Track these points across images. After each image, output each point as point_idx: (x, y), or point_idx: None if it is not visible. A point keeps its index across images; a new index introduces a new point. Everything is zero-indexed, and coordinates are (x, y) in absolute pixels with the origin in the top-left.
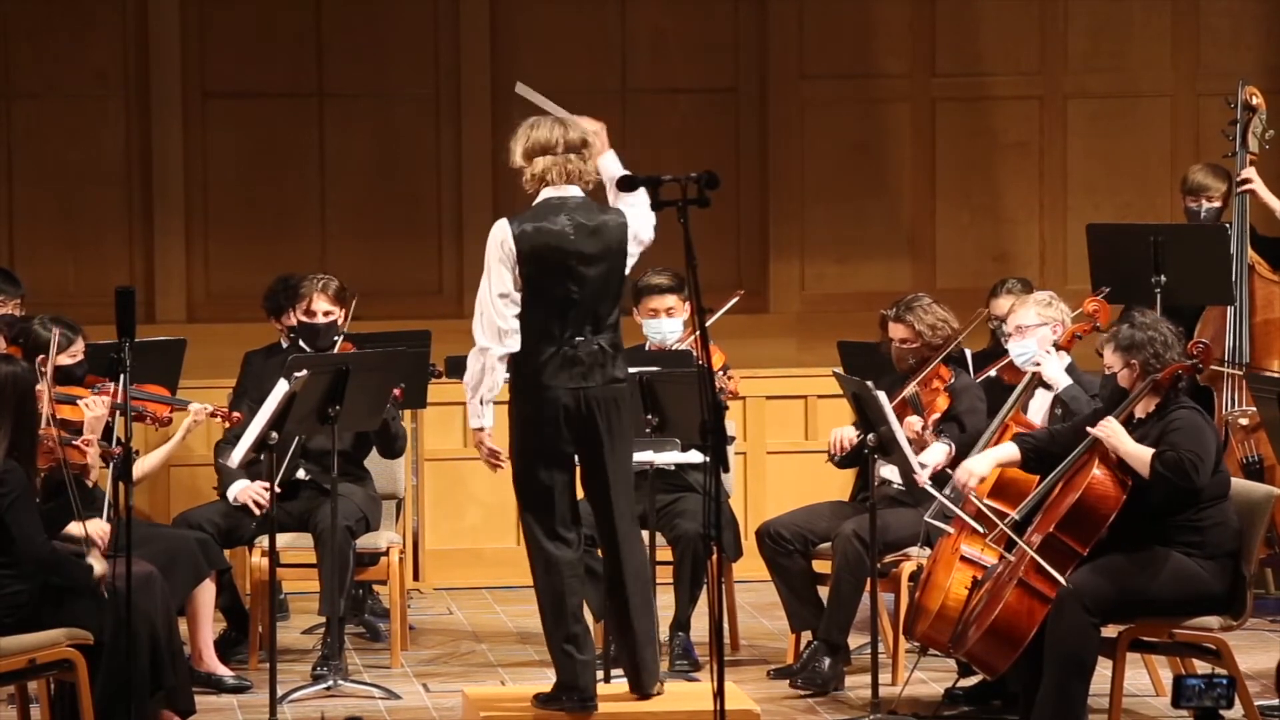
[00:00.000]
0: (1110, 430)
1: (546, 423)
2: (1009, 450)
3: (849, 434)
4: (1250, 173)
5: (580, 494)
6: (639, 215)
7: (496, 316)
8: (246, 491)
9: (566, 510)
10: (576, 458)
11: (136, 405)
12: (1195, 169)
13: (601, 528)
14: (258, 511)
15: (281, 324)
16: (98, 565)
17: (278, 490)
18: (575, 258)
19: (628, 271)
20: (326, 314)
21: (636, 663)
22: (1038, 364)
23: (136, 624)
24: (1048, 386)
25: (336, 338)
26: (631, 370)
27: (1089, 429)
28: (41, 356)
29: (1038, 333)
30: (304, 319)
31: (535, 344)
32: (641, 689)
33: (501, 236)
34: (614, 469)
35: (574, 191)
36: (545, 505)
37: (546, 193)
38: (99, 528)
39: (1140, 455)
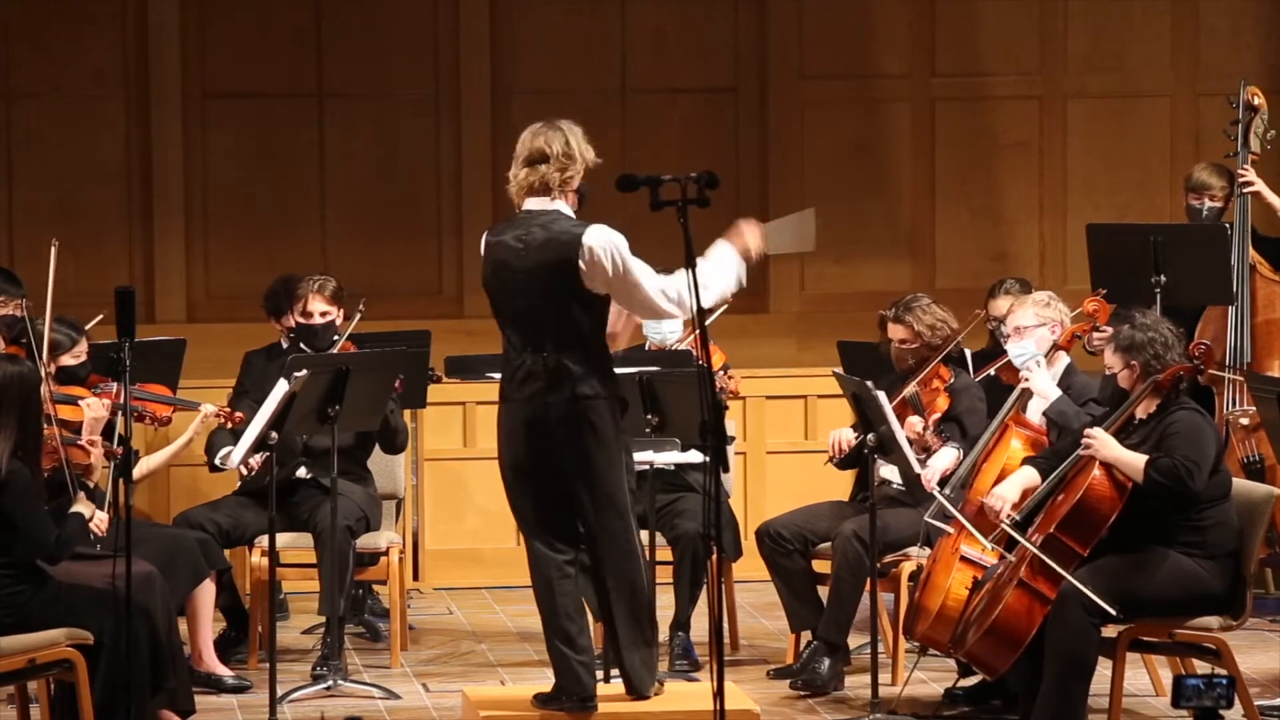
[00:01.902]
0: (1100, 442)
1: (512, 433)
2: (1030, 474)
3: (847, 436)
4: (1251, 173)
5: None
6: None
7: None
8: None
9: (550, 513)
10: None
11: (136, 405)
12: (1199, 167)
13: (585, 539)
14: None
15: (281, 324)
16: (84, 508)
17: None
18: (519, 273)
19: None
20: (324, 314)
21: (624, 668)
22: (1029, 371)
23: (136, 624)
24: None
25: (336, 338)
26: (631, 370)
27: (1082, 437)
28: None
29: (1036, 333)
30: (301, 320)
31: (505, 354)
32: (635, 693)
33: (481, 247)
34: (586, 487)
35: (542, 204)
36: (527, 509)
37: (526, 203)
38: (96, 514)
39: (1133, 463)
